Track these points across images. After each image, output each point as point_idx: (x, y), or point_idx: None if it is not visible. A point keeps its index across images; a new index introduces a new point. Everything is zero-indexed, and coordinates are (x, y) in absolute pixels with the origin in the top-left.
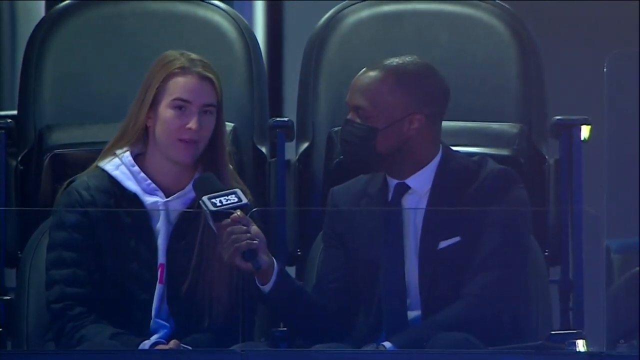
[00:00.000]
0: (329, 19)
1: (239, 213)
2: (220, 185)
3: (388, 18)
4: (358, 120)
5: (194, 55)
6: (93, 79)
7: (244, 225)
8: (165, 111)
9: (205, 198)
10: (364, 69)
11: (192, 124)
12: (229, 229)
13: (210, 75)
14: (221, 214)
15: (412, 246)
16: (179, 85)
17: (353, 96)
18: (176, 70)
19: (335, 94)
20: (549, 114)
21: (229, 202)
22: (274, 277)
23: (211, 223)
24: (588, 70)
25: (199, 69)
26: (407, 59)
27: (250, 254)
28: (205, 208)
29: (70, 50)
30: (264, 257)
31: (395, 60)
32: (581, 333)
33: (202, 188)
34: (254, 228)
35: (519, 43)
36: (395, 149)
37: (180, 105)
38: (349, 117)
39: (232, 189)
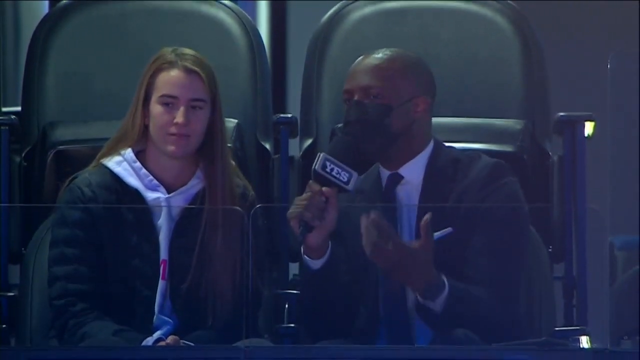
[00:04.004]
0: (333, 16)
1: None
2: (347, 162)
3: (391, 15)
4: (367, 101)
5: (186, 50)
6: (96, 76)
7: (323, 202)
8: (155, 107)
9: (324, 156)
10: (363, 56)
11: (179, 118)
12: (310, 194)
13: (197, 69)
14: (319, 177)
15: (407, 239)
16: (165, 81)
17: (360, 78)
18: (163, 66)
19: (339, 90)
20: (552, 111)
21: (337, 175)
22: (326, 257)
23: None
24: (590, 67)
25: (185, 63)
26: (400, 50)
27: (306, 226)
28: (315, 162)
29: (73, 48)
30: (317, 237)
31: (392, 49)
32: (585, 329)
33: (333, 149)
34: (331, 212)
35: (522, 40)
36: (404, 130)
37: (167, 102)
38: (356, 98)
39: (353, 170)
